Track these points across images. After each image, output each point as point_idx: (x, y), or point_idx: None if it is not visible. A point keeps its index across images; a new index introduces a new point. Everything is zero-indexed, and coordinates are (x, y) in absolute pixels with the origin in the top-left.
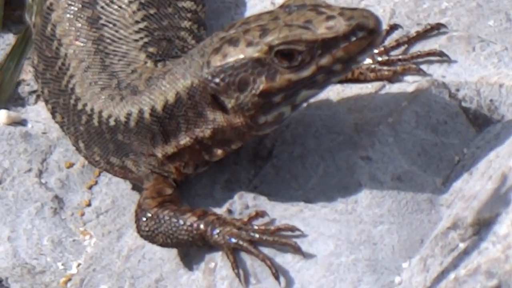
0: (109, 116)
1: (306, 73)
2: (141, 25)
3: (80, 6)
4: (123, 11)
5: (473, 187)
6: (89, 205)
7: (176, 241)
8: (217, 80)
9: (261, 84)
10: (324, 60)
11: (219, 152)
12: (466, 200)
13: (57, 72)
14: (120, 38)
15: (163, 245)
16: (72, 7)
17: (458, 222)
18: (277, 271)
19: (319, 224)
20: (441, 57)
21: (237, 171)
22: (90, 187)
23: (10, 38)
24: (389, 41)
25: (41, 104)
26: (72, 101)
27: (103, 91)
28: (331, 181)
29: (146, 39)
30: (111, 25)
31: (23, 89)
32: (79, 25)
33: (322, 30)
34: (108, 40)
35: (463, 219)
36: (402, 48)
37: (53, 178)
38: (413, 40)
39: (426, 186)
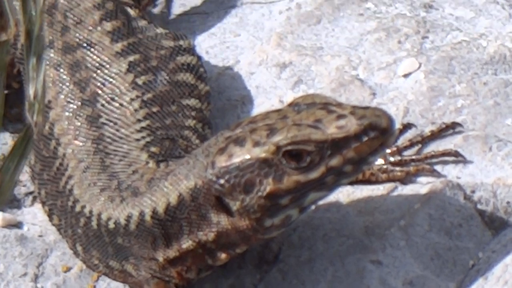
0: (109, 219)
1: (315, 174)
2: (143, 124)
3: (79, 104)
4: (124, 109)
5: None
6: None
7: None
8: (222, 181)
9: (268, 185)
10: (334, 161)
11: (223, 256)
12: None
13: (54, 173)
14: (121, 138)
15: None
16: (71, 105)
17: None
18: None
19: None
20: (456, 157)
21: (241, 276)
22: None
23: (6, 138)
24: (402, 140)
25: (37, 206)
26: (70, 203)
27: (103, 193)
28: (340, 287)
29: (148, 139)
30: (111, 124)
31: (19, 190)
32: (78, 123)
33: (332, 129)
34: (108, 140)
35: None
36: (416, 148)
37: (50, 282)
38: (427, 140)
39: None
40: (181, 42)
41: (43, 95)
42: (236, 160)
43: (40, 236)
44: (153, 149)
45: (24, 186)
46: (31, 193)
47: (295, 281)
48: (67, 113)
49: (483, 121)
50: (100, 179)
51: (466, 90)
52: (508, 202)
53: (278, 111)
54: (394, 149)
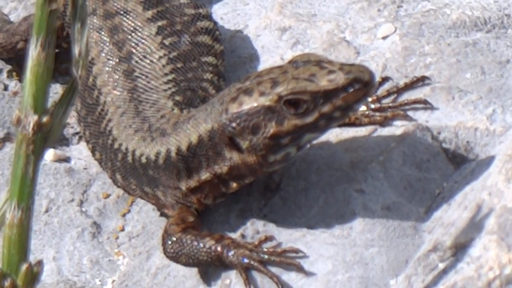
0: (141, 155)
1: (310, 119)
2: (170, 77)
3: (117, 60)
4: (154, 65)
5: (451, 215)
6: (122, 230)
7: (197, 261)
8: (233, 124)
9: (271, 128)
10: (326, 108)
11: (234, 185)
12: (445, 227)
13: (97, 117)
14: (151, 88)
15: (185, 264)
16: (110, 61)
17: (438, 246)
18: (283, 287)
19: (319, 247)
20: (425, 104)
21: (249, 201)
22: (124, 215)
23: (57, 88)
24: (381, 91)
25: (82, 144)
26: (109, 141)
27: (136, 133)
28: (330, 211)
29: (173, 89)
30: (143, 77)
31: (68, 131)
32: (116, 76)
33: (324, 82)
34: (141, 90)
35: (442, 243)
36: (392, 97)
37: (92, 207)
38: (402, 91)
39: (411, 215)
40: (201, 10)
41: (86, 53)
42: (246, 107)
43: (85, 168)
44: (177, 98)
45: (72, 127)
46: (77, 133)
47: (293, 206)
48: (107, 68)
49: (447, 75)
50: (134, 122)
51: (433, 50)
52: (467, 142)
53: (280, 67)
54: (375, 97)
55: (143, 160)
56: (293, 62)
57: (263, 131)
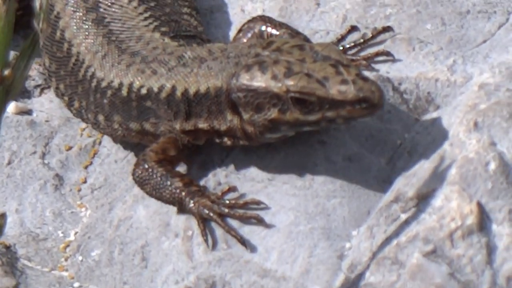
0: (141, 86)
1: (312, 117)
2: (146, 15)
3: (84, 11)
4: (125, 9)
5: (413, 166)
6: (85, 182)
7: (159, 195)
8: (240, 95)
9: (273, 113)
10: (329, 114)
11: (229, 142)
12: (406, 178)
13: (71, 68)
14: (129, 28)
15: (148, 194)
16: (77, 13)
17: (400, 196)
18: (242, 238)
19: (281, 198)
20: (388, 56)
21: (211, 153)
22: (86, 167)
23: (18, 40)
24: (348, 41)
25: (44, 96)
26: (93, 84)
27: (130, 67)
28: (292, 162)
29: (155, 23)
30: (117, 21)
31: (30, 84)
32: (86, 26)
33: (334, 91)
34: (117, 32)
35: (404, 194)
36: (357, 48)
37: (55, 159)
38: (367, 42)
39: (372, 166)
40: None
41: (46, 6)
42: (255, 84)
43: (47, 121)
44: (162, 29)
45: (33, 80)
46: (39, 85)
47: (255, 157)
48: (74, 20)
49: (408, 26)
50: (122, 59)
51: (393, 1)
52: (428, 92)
53: (301, 47)
54: (341, 48)
55: (143, 91)
56: (314, 50)
57: (265, 112)
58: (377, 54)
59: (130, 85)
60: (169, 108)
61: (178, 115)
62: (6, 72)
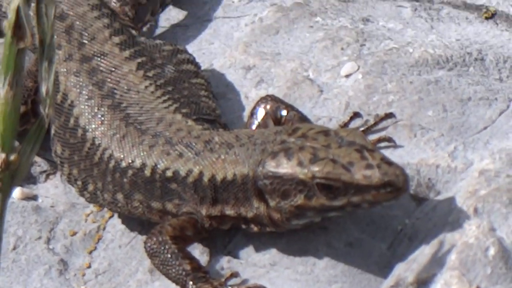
0: (167, 169)
1: (338, 203)
2: (165, 98)
3: (99, 99)
4: (142, 94)
5: (413, 251)
6: (89, 267)
7: (165, 272)
8: (266, 182)
9: (300, 200)
10: (355, 199)
11: (255, 229)
12: (407, 263)
13: (86, 153)
14: (148, 110)
15: (155, 266)
16: (92, 101)
17: (400, 282)
18: None
19: (283, 283)
20: (390, 142)
21: (214, 238)
22: (90, 252)
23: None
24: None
25: (50, 182)
26: (111, 165)
27: (154, 148)
28: (294, 247)
29: (175, 105)
30: (134, 105)
31: (35, 169)
32: (102, 113)
33: (359, 176)
34: (136, 115)
35: (404, 279)
36: None
37: (59, 244)
38: (370, 128)
39: (373, 251)
40: (178, 46)
41: (53, 92)
42: (281, 171)
43: (52, 206)
44: (183, 110)
45: (39, 166)
46: (44, 171)
47: (257, 243)
48: (89, 108)
49: (409, 113)
50: (143, 140)
51: (396, 88)
52: (429, 179)
53: (326, 133)
54: None
55: (169, 173)
56: (339, 136)
57: (291, 199)
58: (380, 140)
59: (154, 167)
60: (196, 193)
61: (205, 200)
62: (12, 157)
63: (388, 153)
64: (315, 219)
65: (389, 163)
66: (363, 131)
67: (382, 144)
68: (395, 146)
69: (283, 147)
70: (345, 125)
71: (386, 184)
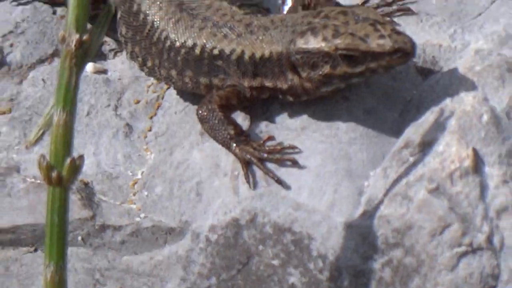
0: (214, 48)
1: (358, 69)
2: None
3: None
4: None
5: (420, 118)
6: (150, 130)
7: (213, 135)
8: (298, 57)
9: (326, 69)
10: (372, 64)
11: (291, 99)
12: (414, 127)
13: (146, 34)
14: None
15: (205, 130)
16: None
17: (409, 143)
18: (279, 178)
19: (311, 144)
20: (407, 11)
21: (254, 107)
22: (151, 117)
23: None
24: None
25: (117, 59)
26: (167, 45)
27: (202, 31)
28: (320, 114)
29: None
30: None
31: (105, 48)
32: (159, 2)
33: (374, 45)
34: (188, 2)
35: (412, 141)
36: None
37: (125, 111)
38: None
39: (387, 118)
40: None
41: None
42: (310, 46)
43: (119, 79)
44: None
45: (109, 45)
46: (113, 49)
47: (290, 111)
48: None
49: (417, 1)
50: (194, 24)
51: None
52: (433, 56)
53: (344, 13)
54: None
55: (215, 52)
56: (355, 13)
57: (320, 69)
58: (399, 10)
59: (203, 46)
60: (238, 68)
61: (246, 74)
62: (85, 37)
63: None
64: (340, 85)
65: (399, 32)
66: (382, 5)
67: (400, 14)
68: (411, 14)
69: (309, 27)
70: (366, 1)
71: (397, 50)
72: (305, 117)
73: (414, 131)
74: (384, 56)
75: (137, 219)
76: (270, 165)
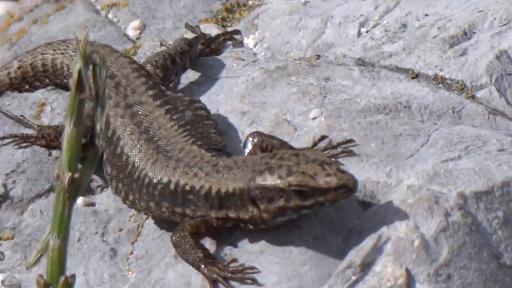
0: (186, 184)
1: (308, 202)
2: (185, 134)
3: (138, 134)
4: (168, 131)
5: (361, 243)
6: (132, 253)
7: (185, 258)
8: (257, 192)
9: (281, 202)
10: (320, 198)
11: (251, 227)
12: (356, 251)
13: (128, 173)
14: (173, 143)
15: (178, 253)
16: (133, 136)
17: (351, 264)
18: None
19: (269, 265)
20: (349, 154)
21: (220, 234)
22: (133, 243)
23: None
24: (321, 146)
25: (104, 193)
26: (146, 182)
27: (176, 170)
28: (276, 240)
29: (193, 139)
30: (163, 139)
31: (93, 184)
32: (140, 144)
33: (322, 182)
34: (164, 145)
35: (354, 262)
36: (328, 150)
37: (111, 237)
38: (336, 146)
39: (333, 243)
40: (194, 98)
41: (106, 129)
42: (267, 183)
43: (105, 210)
44: (199, 142)
45: (96, 182)
46: (100, 186)
47: (251, 237)
48: (130, 141)
49: (358, 144)
50: (169, 164)
51: (348, 127)
52: (372, 191)
53: (296, 155)
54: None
55: (187, 187)
56: (305, 155)
57: (276, 202)
58: (343, 152)
59: (177, 182)
60: (207, 201)
61: (213, 206)
62: (76, 175)
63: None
64: (293, 216)
65: (343, 171)
66: (328, 148)
67: (343, 156)
68: (352, 155)
69: (267, 166)
70: (315, 145)
71: (341, 186)
72: (263, 242)
73: (355, 254)
74: (330, 191)
75: None
76: (233, 283)
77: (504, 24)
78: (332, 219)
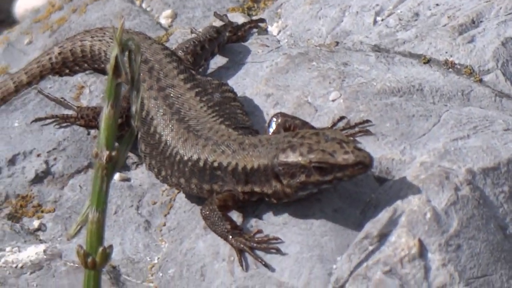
0: (214, 161)
1: (327, 178)
2: (214, 114)
3: (170, 115)
4: (198, 112)
5: (377, 215)
6: (164, 225)
7: (213, 229)
8: (280, 168)
9: (302, 178)
10: (339, 174)
11: (274, 201)
12: (373, 223)
13: (161, 150)
14: (202, 123)
15: (207, 225)
16: (165, 116)
17: (368, 235)
18: (266, 263)
19: (291, 236)
20: (366, 133)
21: (246, 207)
22: (165, 215)
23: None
24: (339, 126)
25: (138, 169)
26: (177, 158)
27: (205, 148)
28: (298, 212)
29: (221, 119)
30: (193, 119)
31: (129, 161)
32: (171, 124)
33: (340, 159)
34: (194, 125)
35: (371, 233)
36: (347, 130)
37: (145, 210)
38: (353, 127)
39: (351, 215)
40: (222, 81)
41: (140, 111)
42: (289, 160)
43: (140, 185)
44: (226, 122)
45: (131, 159)
46: (135, 163)
47: (275, 210)
48: (163, 121)
49: (374, 124)
50: (198, 142)
51: (365, 108)
52: (387, 168)
53: (317, 134)
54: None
55: (215, 164)
56: (325, 134)
57: (297, 178)
58: (360, 132)
59: (206, 160)
60: (233, 177)
61: (240, 182)
62: (114, 153)
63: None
64: (314, 190)
65: (360, 149)
66: (346, 128)
67: (360, 135)
68: (369, 134)
69: (289, 144)
70: (334, 125)
71: (358, 163)
72: (286, 215)
73: (372, 226)
74: (348, 167)
75: None
76: (259, 252)
77: (510, 13)
78: (350, 193)
